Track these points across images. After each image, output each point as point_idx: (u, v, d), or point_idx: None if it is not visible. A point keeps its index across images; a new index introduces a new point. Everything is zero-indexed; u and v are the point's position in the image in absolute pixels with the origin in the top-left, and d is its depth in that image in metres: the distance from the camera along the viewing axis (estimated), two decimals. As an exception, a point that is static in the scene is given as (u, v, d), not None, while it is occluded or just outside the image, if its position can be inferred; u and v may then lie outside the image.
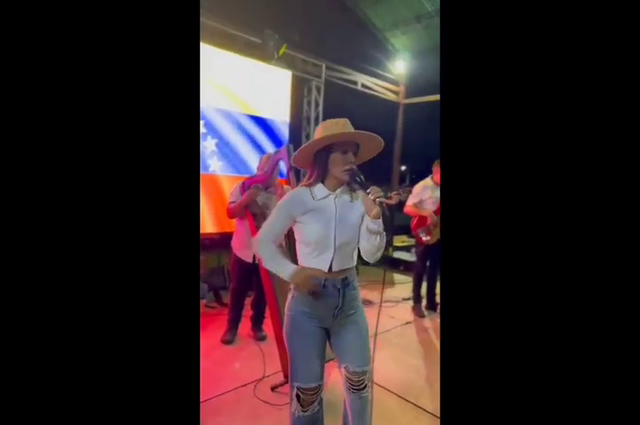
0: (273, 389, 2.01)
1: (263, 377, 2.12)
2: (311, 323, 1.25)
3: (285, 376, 1.93)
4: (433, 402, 1.95)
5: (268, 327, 2.67)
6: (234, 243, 2.58)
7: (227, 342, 2.56)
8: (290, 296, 1.29)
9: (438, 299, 3.44)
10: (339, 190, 1.24)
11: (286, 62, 3.83)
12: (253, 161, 3.62)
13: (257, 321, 2.70)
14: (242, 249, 2.50)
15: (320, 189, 1.23)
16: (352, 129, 1.20)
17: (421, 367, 2.34)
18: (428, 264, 3.36)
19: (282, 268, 1.23)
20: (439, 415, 1.83)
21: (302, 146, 1.21)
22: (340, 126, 1.19)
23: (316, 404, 1.25)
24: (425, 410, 1.89)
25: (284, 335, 1.30)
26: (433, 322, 3.16)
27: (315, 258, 1.23)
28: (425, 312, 3.31)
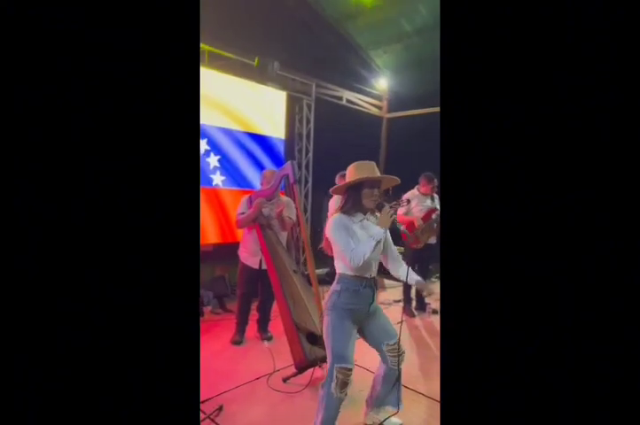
0: (285, 380, 2.23)
1: (274, 371, 2.34)
2: (351, 318, 1.62)
3: (296, 368, 2.16)
4: (427, 387, 2.21)
5: (272, 328, 2.91)
6: (241, 252, 2.80)
7: (236, 342, 2.76)
8: (334, 296, 1.63)
9: (426, 300, 3.72)
10: (368, 214, 1.65)
11: (281, 83, 4.14)
12: (252, 176, 3.87)
13: (263, 324, 2.91)
14: (249, 257, 2.73)
15: (357, 215, 1.63)
16: (377, 171, 1.63)
17: (415, 359, 2.60)
18: (417, 268, 3.64)
19: (372, 243, 1.52)
20: (433, 397, 2.10)
21: (344, 183, 1.65)
22: (371, 169, 1.61)
23: (348, 387, 1.60)
24: (421, 394, 2.15)
25: (327, 326, 1.62)
26: (422, 321, 3.43)
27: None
28: (415, 313, 3.58)
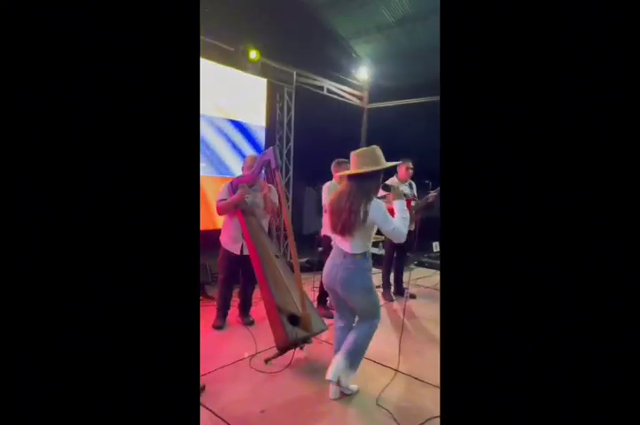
0: (267, 361, 2.28)
1: (256, 353, 2.39)
2: None
3: (278, 348, 2.21)
4: (405, 365, 2.30)
5: (254, 314, 2.94)
6: (222, 238, 2.81)
7: (218, 327, 2.78)
8: (369, 274, 1.97)
9: (404, 285, 3.82)
10: None
11: (261, 70, 4.12)
12: (232, 163, 3.86)
13: (244, 308, 2.94)
14: (231, 243, 2.75)
15: None
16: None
17: (394, 340, 2.68)
18: (395, 255, 3.73)
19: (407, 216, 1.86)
20: (411, 375, 2.20)
21: (382, 168, 1.81)
22: (381, 155, 1.82)
23: None
24: (400, 372, 2.24)
25: (374, 302, 2.03)
26: (401, 305, 3.52)
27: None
28: (394, 297, 3.68)
